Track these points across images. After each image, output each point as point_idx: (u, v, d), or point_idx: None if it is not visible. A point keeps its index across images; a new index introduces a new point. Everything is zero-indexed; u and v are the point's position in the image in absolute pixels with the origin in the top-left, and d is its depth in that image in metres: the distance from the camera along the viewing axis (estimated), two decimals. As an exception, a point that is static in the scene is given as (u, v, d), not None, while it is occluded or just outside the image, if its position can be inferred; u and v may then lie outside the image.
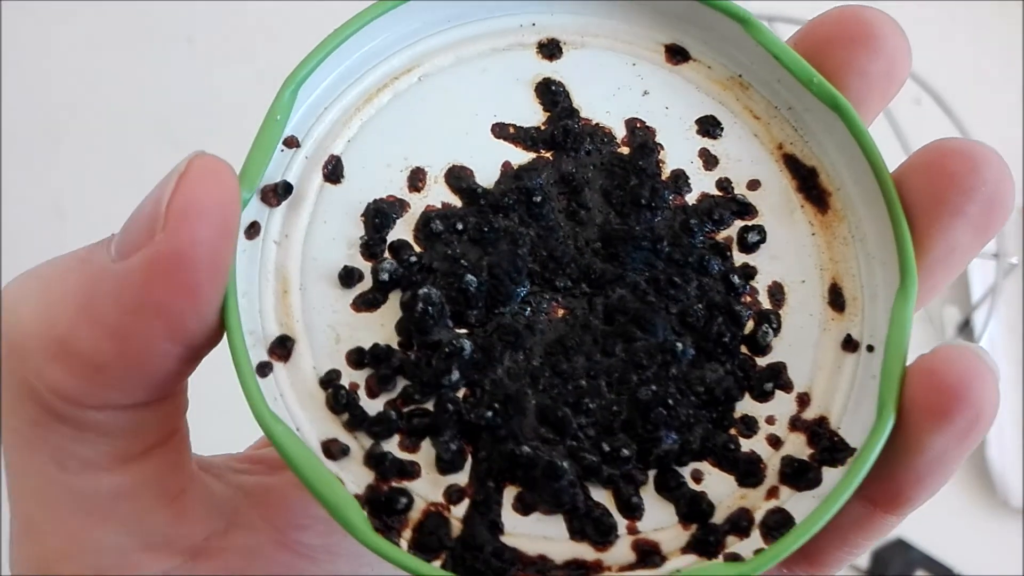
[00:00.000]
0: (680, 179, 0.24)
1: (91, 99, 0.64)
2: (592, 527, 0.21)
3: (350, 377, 0.21)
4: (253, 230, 0.22)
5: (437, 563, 0.20)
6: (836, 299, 0.23)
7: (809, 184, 0.24)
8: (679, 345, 0.22)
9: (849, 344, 0.23)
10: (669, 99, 0.25)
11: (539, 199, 0.23)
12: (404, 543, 0.20)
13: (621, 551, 0.21)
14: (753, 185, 0.24)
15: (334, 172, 0.23)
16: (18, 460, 0.19)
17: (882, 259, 0.23)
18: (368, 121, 0.24)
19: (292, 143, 0.23)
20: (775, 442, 0.22)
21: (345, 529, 0.19)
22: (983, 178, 0.22)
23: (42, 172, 0.62)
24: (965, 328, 0.59)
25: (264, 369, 0.21)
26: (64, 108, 0.64)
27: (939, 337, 0.60)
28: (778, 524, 0.21)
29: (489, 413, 0.21)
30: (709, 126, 0.25)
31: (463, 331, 0.22)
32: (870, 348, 0.22)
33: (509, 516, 0.21)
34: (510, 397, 0.21)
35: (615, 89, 0.25)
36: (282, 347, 0.21)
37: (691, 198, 0.24)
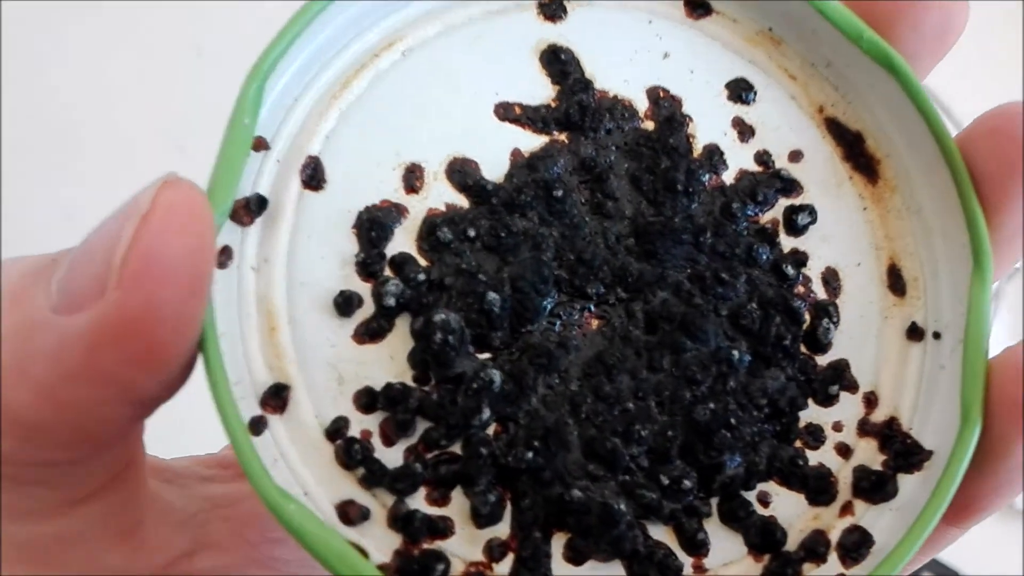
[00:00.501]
0: (715, 155, 0.21)
1: (101, 108, 0.63)
2: (656, 572, 0.18)
3: (360, 424, 0.18)
4: (225, 256, 0.18)
5: None
6: (896, 282, 0.21)
7: (856, 151, 0.21)
8: (735, 353, 0.19)
9: (915, 332, 0.20)
10: (693, 61, 0.22)
11: (560, 193, 0.20)
12: None
13: None
14: (795, 156, 0.21)
15: (314, 177, 0.19)
16: None
17: (943, 231, 0.20)
18: (348, 110, 0.20)
19: (261, 145, 0.19)
20: (844, 451, 0.20)
21: None
22: None
23: (52, 181, 0.62)
24: None
25: (257, 426, 0.18)
26: (74, 117, 0.63)
27: None
28: (856, 544, 0.19)
29: (529, 454, 0.18)
30: (741, 90, 0.22)
31: (486, 356, 0.19)
32: (936, 335, 0.20)
33: (560, 567, 0.18)
34: (550, 431, 0.18)
35: (631, 53, 0.21)
36: (276, 397, 0.18)
37: (728, 176, 0.21)
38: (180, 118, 0.60)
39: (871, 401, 0.20)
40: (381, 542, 0.18)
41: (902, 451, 0.19)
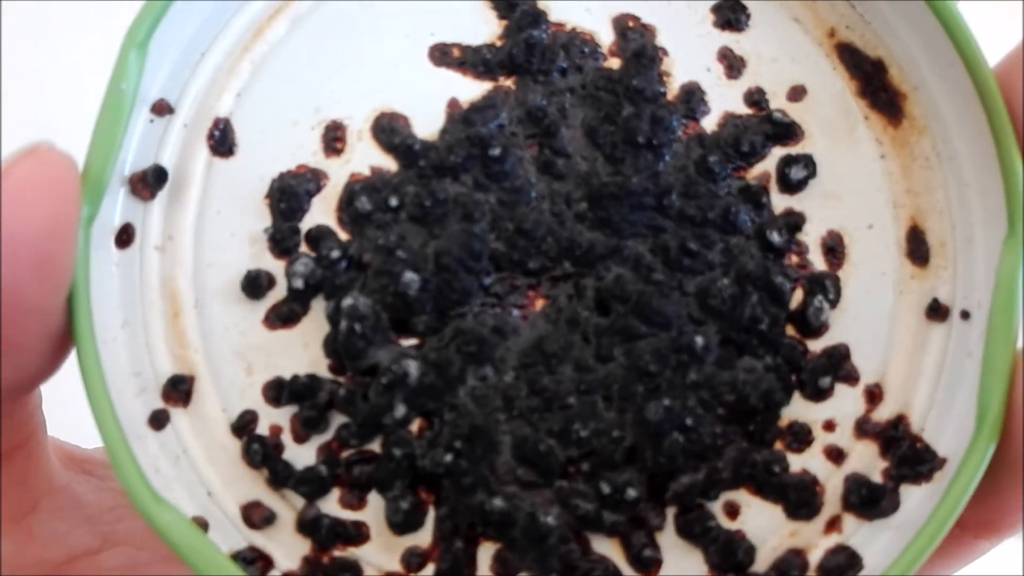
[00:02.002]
0: (693, 97, 0.18)
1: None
2: None
3: (270, 419, 0.17)
4: (125, 236, 0.17)
5: None
6: (917, 248, 0.17)
7: (875, 84, 0.17)
8: (699, 340, 0.16)
9: (937, 311, 0.17)
10: None
11: (498, 151, 0.17)
12: None
13: None
14: (797, 94, 0.18)
15: (223, 141, 0.17)
16: None
17: (981, 187, 0.16)
18: (261, 63, 0.18)
19: (163, 109, 0.17)
20: (836, 455, 0.17)
21: None
22: None
23: None
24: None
25: (159, 420, 0.16)
26: (79, 126, 0.62)
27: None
28: (840, 569, 0.16)
29: (448, 457, 0.16)
30: (731, 13, 0.18)
31: (412, 343, 0.17)
32: (965, 315, 0.16)
33: None
34: (477, 430, 0.16)
35: None
36: (177, 389, 0.17)
37: (709, 123, 0.18)
38: None
39: (874, 395, 0.17)
40: (289, 548, 0.16)
41: (908, 457, 0.16)
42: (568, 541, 0.16)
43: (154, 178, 0.17)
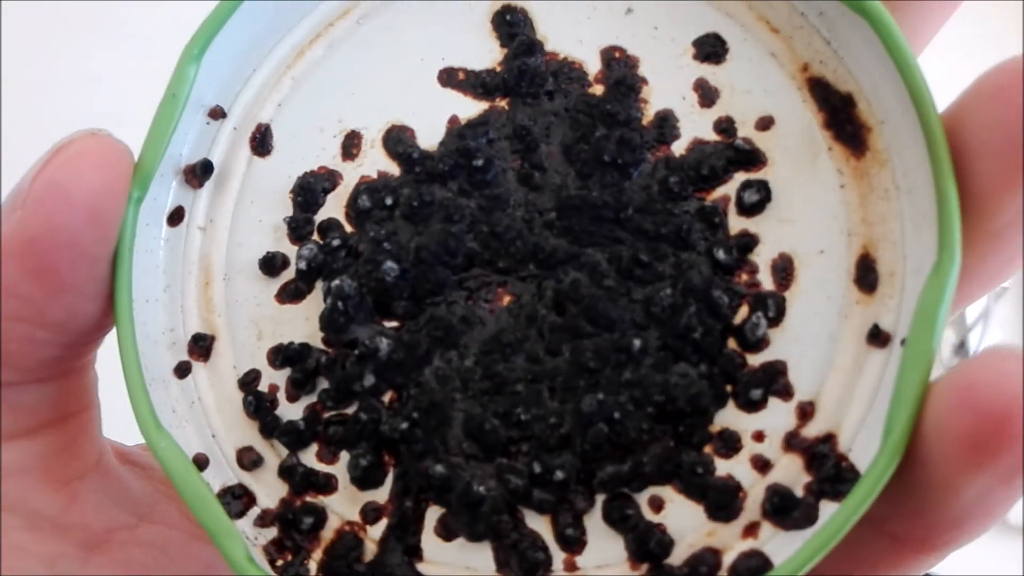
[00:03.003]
0: (666, 123, 0.19)
1: (104, 122, 0.65)
2: (518, 560, 0.18)
3: (270, 378, 0.20)
4: (177, 216, 0.20)
5: None
6: (865, 275, 0.18)
7: (842, 117, 0.18)
8: (636, 342, 0.18)
9: (877, 337, 0.17)
10: (659, 15, 0.19)
11: (480, 162, 0.19)
12: (313, 565, 0.18)
13: None
14: (764, 123, 0.19)
15: (262, 143, 0.21)
16: None
17: (936, 220, 0.17)
18: (300, 79, 0.21)
19: (218, 114, 0.21)
20: (762, 465, 0.17)
21: (224, 558, 0.17)
22: None
23: None
24: (961, 349, 0.56)
25: (183, 369, 0.20)
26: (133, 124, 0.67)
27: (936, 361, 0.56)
28: (751, 571, 0.16)
29: (404, 424, 0.18)
30: (710, 47, 0.19)
31: (393, 325, 0.19)
32: (904, 343, 0.17)
33: (431, 541, 0.18)
34: (434, 405, 0.18)
35: (591, 10, 0.20)
36: (199, 345, 0.20)
37: (680, 147, 0.19)
38: None
39: (806, 412, 0.17)
40: (270, 489, 0.19)
41: (831, 475, 0.17)
42: (501, 512, 0.18)
43: (203, 170, 0.20)
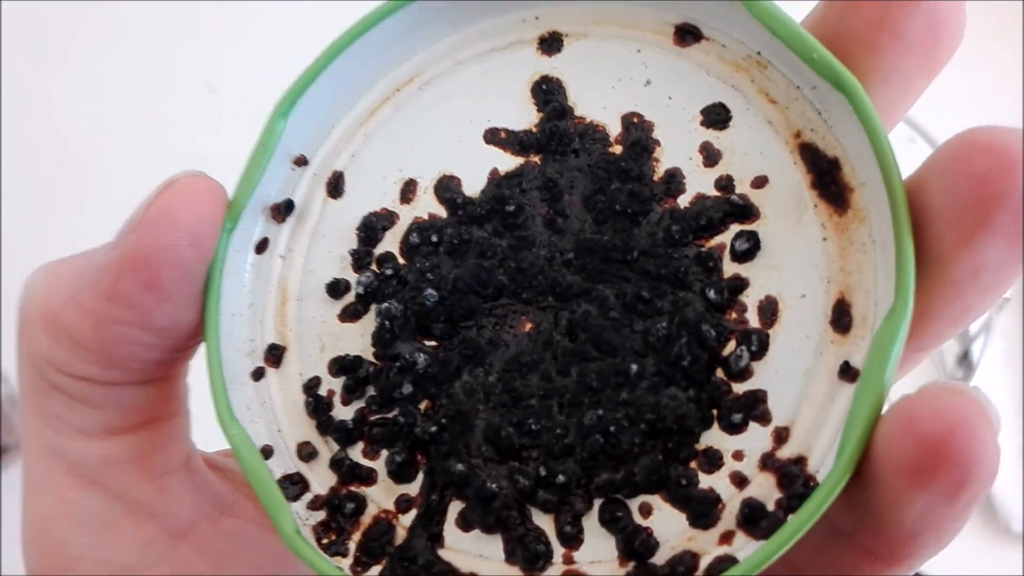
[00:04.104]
0: (674, 179, 0.22)
1: (116, 149, 0.65)
2: (522, 551, 0.20)
3: (329, 385, 0.23)
4: (263, 246, 0.24)
5: (377, 568, 0.21)
6: (840, 318, 0.20)
7: (827, 179, 0.21)
8: (634, 367, 0.20)
9: (847, 372, 0.19)
10: (674, 87, 0.22)
11: (512, 208, 0.22)
12: (352, 544, 0.21)
13: None
14: (759, 182, 0.21)
15: (336, 187, 0.24)
16: (26, 423, 0.23)
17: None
18: (371, 134, 0.25)
19: (302, 162, 0.25)
20: (740, 481, 0.20)
21: (276, 529, 0.21)
22: (1017, 181, 0.17)
23: (66, 220, 0.62)
24: (964, 360, 0.56)
25: (259, 374, 0.23)
26: (91, 158, 0.66)
27: (938, 370, 0.57)
28: (721, 570, 0.19)
29: (433, 428, 0.21)
30: (716, 115, 0.22)
31: (432, 344, 0.22)
32: (860, 376, 0.19)
33: (452, 531, 0.21)
34: (460, 413, 0.21)
35: (615, 81, 0.23)
36: (273, 354, 0.23)
37: (685, 200, 0.22)
38: (194, 154, 0.56)
39: (781, 436, 0.20)
40: (322, 478, 0.22)
41: (800, 492, 0.19)
42: (511, 508, 0.21)
43: (286, 208, 0.24)
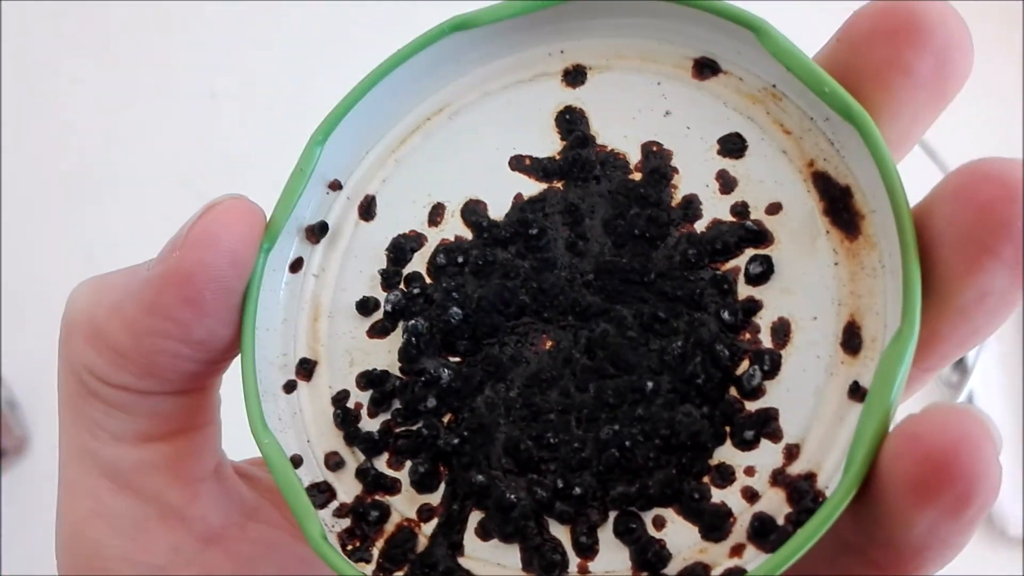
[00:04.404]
0: (691, 205, 0.23)
1: (118, 154, 0.65)
2: (539, 560, 0.21)
3: (357, 398, 0.24)
4: (297, 265, 0.25)
5: (399, 574, 0.22)
6: (851, 339, 0.20)
7: (839, 206, 0.21)
8: (649, 384, 0.21)
9: (856, 392, 0.20)
10: (692, 118, 0.23)
11: (535, 231, 0.23)
12: (376, 551, 0.22)
13: None
14: (773, 209, 0.22)
15: (368, 210, 0.26)
16: (65, 428, 0.24)
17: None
18: (401, 160, 0.26)
19: (336, 186, 0.26)
20: (751, 496, 0.20)
21: (303, 534, 0.22)
22: (1020, 210, 0.18)
23: (70, 224, 0.62)
24: (960, 364, 0.56)
25: (290, 387, 0.24)
26: (93, 163, 0.66)
27: (936, 376, 0.55)
28: None
29: (456, 440, 0.22)
30: (732, 145, 0.23)
31: (456, 360, 0.23)
32: (867, 395, 0.20)
33: (471, 539, 0.22)
34: (482, 426, 0.22)
35: (636, 112, 0.24)
36: (304, 368, 0.25)
37: (701, 225, 0.23)
38: (195, 160, 0.59)
39: (792, 453, 0.20)
40: (348, 487, 0.23)
41: (809, 507, 0.19)
42: (528, 518, 0.21)
43: (319, 230, 0.25)
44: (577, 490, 0.21)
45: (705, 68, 0.24)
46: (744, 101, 0.23)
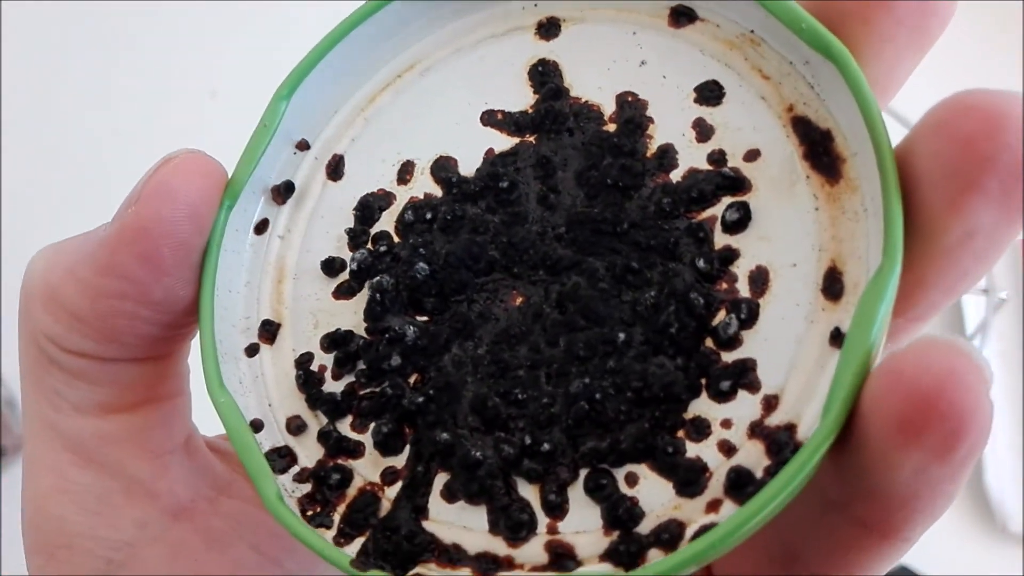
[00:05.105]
0: (667, 155, 0.22)
1: (117, 153, 0.64)
2: (506, 521, 0.20)
3: (320, 360, 0.23)
4: (262, 227, 0.25)
5: (361, 539, 0.21)
6: (832, 285, 0.19)
7: (820, 150, 0.20)
8: (621, 335, 0.20)
9: (837, 338, 0.19)
10: (668, 67, 0.23)
11: (505, 184, 0.23)
12: (337, 516, 0.21)
13: (534, 550, 0.20)
14: (751, 155, 0.21)
15: (336, 170, 0.25)
16: (27, 400, 0.23)
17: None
18: (371, 119, 0.25)
19: (303, 146, 0.25)
20: (728, 449, 0.19)
21: (259, 495, 0.21)
22: (1005, 142, 0.17)
23: (74, 225, 0.63)
24: None
25: (252, 350, 0.24)
26: (93, 163, 0.66)
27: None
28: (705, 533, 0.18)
29: (421, 399, 0.21)
30: (709, 92, 0.22)
31: (423, 319, 0.22)
32: (845, 336, 0.18)
33: (437, 502, 0.21)
34: (448, 384, 0.21)
35: (611, 63, 0.23)
36: (267, 330, 0.24)
37: (677, 175, 0.22)
38: None
39: (771, 404, 0.19)
40: (309, 451, 0.22)
41: (788, 459, 0.18)
42: (495, 477, 0.20)
43: (285, 190, 0.25)
44: (546, 446, 0.20)
45: (681, 16, 0.23)
46: (721, 48, 0.22)
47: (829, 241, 0.20)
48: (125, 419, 0.23)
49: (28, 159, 0.67)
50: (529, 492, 0.20)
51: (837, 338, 0.19)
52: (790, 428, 0.19)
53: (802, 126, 0.21)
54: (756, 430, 0.19)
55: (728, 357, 0.20)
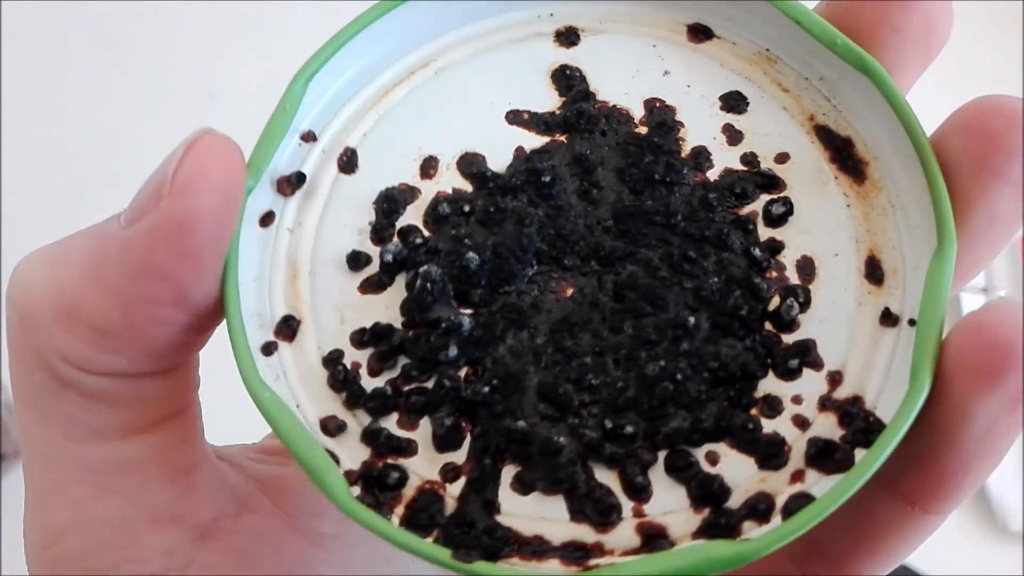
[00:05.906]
0: (701, 156, 0.23)
1: (115, 155, 0.64)
2: (592, 507, 0.19)
3: (352, 357, 0.21)
4: (268, 219, 0.23)
5: (429, 539, 0.19)
6: (873, 272, 0.21)
7: (844, 154, 0.23)
8: (692, 319, 0.21)
9: (888, 318, 0.21)
10: (691, 77, 0.24)
11: (548, 179, 0.23)
12: (396, 519, 0.19)
13: (624, 534, 0.19)
14: (782, 158, 0.23)
15: (349, 163, 0.24)
16: (29, 429, 0.19)
17: (925, 230, 0.21)
18: (384, 115, 0.24)
19: (310, 137, 0.23)
20: (802, 423, 0.20)
21: (325, 494, 0.19)
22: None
23: (73, 225, 0.62)
24: None
25: (269, 348, 0.21)
26: (92, 163, 0.65)
27: None
28: (801, 505, 0.19)
29: (486, 389, 0.20)
30: (734, 101, 0.24)
31: (468, 311, 0.22)
32: (912, 322, 0.20)
33: (507, 496, 0.20)
34: (510, 374, 0.21)
35: (634, 71, 0.24)
36: (287, 327, 0.22)
37: (713, 174, 0.23)
38: None
39: (835, 380, 0.20)
40: (353, 452, 0.20)
41: (862, 427, 0.20)
42: (576, 464, 0.20)
43: (296, 180, 0.23)
44: (629, 428, 0.20)
45: (699, 33, 0.24)
46: (740, 63, 0.24)
47: (865, 233, 0.22)
48: (148, 440, 0.20)
49: (26, 160, 0.66)
50: (607, 478, 0.20)
51: (888, 317, 0.21)
52: (857, 400, 0.20)
53: (824, 134, 0.23)
54: (826, 403, 0.20)
55: (788, 339, 0.21)
